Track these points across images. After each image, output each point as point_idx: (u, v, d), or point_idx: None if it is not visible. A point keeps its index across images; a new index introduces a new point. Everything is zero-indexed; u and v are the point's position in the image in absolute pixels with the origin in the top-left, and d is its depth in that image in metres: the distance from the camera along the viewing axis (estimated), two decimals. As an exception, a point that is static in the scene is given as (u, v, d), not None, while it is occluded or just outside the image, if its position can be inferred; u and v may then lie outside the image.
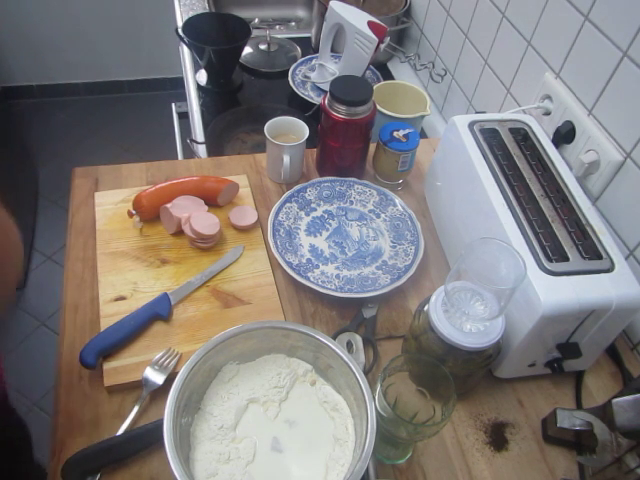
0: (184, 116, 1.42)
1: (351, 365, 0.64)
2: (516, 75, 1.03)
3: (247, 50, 1.45)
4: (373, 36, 1.13)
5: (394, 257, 0.89)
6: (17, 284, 0.62)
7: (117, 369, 0.72)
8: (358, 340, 0.78)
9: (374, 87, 0.98)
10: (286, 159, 0.94)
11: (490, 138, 0.84)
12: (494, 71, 1.10)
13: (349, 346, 0.78)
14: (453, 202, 0.88)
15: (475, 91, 1.18)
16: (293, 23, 1.75)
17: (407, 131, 0.97)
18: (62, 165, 2.37)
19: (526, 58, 1.00)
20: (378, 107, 1.00)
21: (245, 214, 0.92)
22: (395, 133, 0.96)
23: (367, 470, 0.61)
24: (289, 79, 1.32)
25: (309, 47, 1.50)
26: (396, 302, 0.85)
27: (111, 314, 0.77)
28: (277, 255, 0.85)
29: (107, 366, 0.72)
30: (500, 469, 0.70)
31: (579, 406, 0.76)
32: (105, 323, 0.76)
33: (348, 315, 0.83)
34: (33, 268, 2.02)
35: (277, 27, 1.70)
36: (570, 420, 0.69)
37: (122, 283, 0.81)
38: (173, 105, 1.51)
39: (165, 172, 1.00)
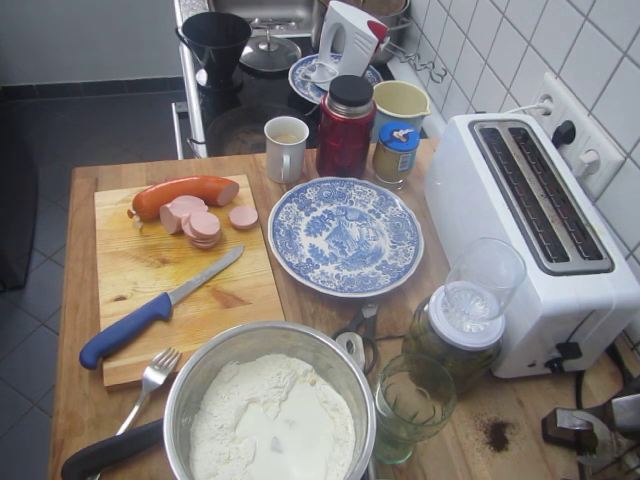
0: (184, 116, 1.42)
1: (351, 365, 0.64)
2: (516, 75, 1.03)
3: (247, 50, 1.45)
4: (373, 36, 1.13)
5: (394, 257, 0.89)
6: None
7: (117, 369, 0.72)
8: (358, 340, 0.78)
9: (374, 87, 0.98)
10: (286, 159, 0.94)
11: (490, 138, 0.84)
12: (494, 71, 1.10)
13: (349, 346, 0.78)
14: (453, 202, 0.88)
15: (475, 91, 1.18)
16: (293, 23, 1.75)
17: (407, 131, 0.97)
18: (62, 165, 2.37)
19: (526, 58, 1.00)
20: (378, 107, 1.00)
21: (245, 214, 0.92)
22: (395, 133, 0.96)
23: (367, 470, 0.61)
24: (289, 79, 1.32)
25: (309, 47, 1.50)
26: (396, 302, 0.85)
27: (111, 314, 0.77)
28: (277, 255, 0.85)
29: (107, 366, 0.72)
30: (500, 469, 0.70)
31: (579, 406, 0.76)
32: (105, 323, 0.76)
33: (348, 315, 0.83)
34: (33, 268, 2.02)
35: (277, 27, 1.70)
36: (570, 420, 0.69)
37: (122, 283, 0.81)
38: (173, 105, 1.52)
39: (165, 172, 1.00)
